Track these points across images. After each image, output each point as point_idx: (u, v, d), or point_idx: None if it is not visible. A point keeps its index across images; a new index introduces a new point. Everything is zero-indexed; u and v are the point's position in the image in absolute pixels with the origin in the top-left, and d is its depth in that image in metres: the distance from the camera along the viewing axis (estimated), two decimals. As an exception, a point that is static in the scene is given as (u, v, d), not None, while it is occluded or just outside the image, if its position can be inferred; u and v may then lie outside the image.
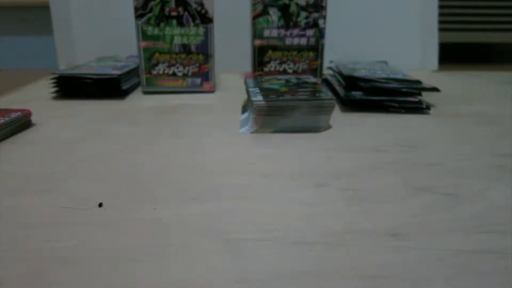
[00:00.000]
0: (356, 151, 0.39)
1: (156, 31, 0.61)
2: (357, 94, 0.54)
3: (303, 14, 0.68)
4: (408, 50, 0.90)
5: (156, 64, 0.63)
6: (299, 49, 0.70)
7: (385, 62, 0.73)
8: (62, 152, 0.39)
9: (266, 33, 0.69)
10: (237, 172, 0.34)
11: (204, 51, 0.63)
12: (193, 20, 0.61)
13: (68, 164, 0.36)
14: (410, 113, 0.52)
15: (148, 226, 0.26)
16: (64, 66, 0.89)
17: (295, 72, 0.71)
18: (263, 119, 0.44)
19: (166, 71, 0.63)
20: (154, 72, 0.63)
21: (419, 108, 0.53)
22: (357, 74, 0.55)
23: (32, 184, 0.32)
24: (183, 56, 0.62)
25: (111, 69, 0.62)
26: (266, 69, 0.71)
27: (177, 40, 0.62)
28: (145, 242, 0.24)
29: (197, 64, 0.63)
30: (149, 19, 0.60)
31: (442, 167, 0.35)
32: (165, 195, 0.30)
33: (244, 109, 0.53)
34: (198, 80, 0.64)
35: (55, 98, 0.61)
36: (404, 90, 0.53)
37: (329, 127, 0.46)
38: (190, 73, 0.63)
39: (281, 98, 0.45)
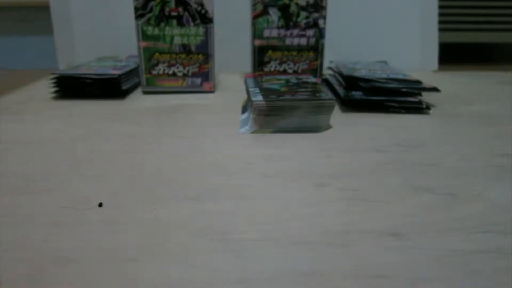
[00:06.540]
0: (356, 151, 0.39)
1: (156, 31, 0.61)
2: (357, 94, 0.54)
3: (303, 14, 0.68)
4: (408, 50, 0.89)
5: (156, 64, 0.63)
6: (299, 49, 0.70)
7: (385, 62, 0.73)
8: (62, 152, 0.39)
9: (266, 33, 0.69)
10: (237, 172, 0.34)
11: (204, 51, 0.63)
12: (193, 20, 0.61)
13: (68, 164, 0.36)
14: (410, 113, 0.52)
15: (148, 226, 0.26)
16: (64, 66, 0.89)
17: (295, 72, 0.71)
18: (263, 119, 0.44)
19: (166, 71, 0.63)
20: (154, 72, 0.63)
21: (419, 108, 0.53)
22: (357, 74, 0.55)
23: (32, 184, 0.32)
24: (183, 56, 0.62)
25: (111, 69, 0.62)
26: (266, 69, 0.71)
27: (177, 40, 0.62)
28: (145, 242, 0.24)
29: (197, 64, 0.63)
30: (149, 19, 0.60)
31: (442, 167, 0.35)
32: (165, 195, 0.30)
33: (244, 109, 0.53)
34: (198, 80, 0.64)
35: (55, 98, 0.61)
36: (404, 90, 0.53)
37: (329, 127, 0.46)
38: (190, 73, 0.63)
39: (281, 98, 0.45)
